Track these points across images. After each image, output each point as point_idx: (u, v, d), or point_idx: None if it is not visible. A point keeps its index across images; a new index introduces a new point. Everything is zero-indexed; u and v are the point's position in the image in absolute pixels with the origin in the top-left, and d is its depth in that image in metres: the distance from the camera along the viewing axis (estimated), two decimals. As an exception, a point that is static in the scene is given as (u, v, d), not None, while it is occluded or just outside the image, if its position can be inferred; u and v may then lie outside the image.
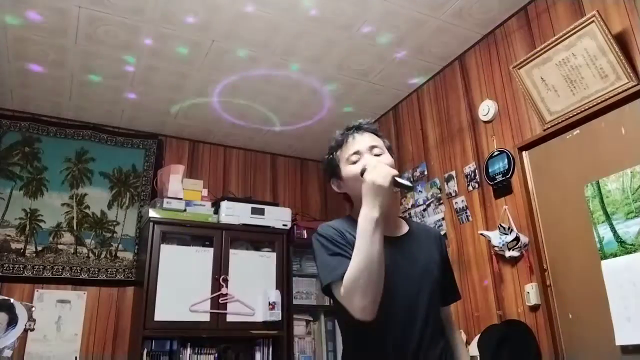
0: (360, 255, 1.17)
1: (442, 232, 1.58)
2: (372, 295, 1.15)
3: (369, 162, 1.33)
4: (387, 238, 1.27)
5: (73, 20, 2.69)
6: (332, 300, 1.36)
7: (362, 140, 1.41)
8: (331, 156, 1.46)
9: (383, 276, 1.18)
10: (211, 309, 3.26)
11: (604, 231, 2.13)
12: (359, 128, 1.45)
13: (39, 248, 3.41)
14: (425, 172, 3.29)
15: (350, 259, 1.20)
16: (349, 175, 1.39)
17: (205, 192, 3.75)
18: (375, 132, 1.46)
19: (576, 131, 2.34)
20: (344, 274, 1.19)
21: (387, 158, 1.38)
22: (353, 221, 1.35)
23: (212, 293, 3.30)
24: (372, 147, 1.39)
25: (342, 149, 1.43)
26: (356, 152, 1.39)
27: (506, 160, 2.63)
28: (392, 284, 1.25)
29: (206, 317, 3.25)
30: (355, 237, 1.22)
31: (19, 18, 2.65)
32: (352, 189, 1.40)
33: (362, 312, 1.16)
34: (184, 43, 2.90)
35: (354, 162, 1.38)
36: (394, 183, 1.23)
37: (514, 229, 2.50)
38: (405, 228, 1.46)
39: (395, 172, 1.26)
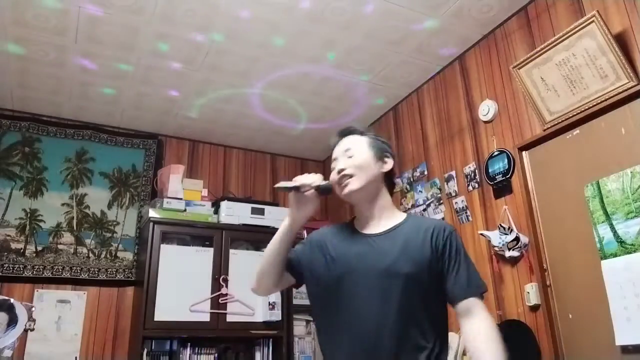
0: (270, 247, 1.47)
1: (447, 228, 1.44)
2: (258, 280, 1.51)
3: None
4: (365, 235, 1.44)
5: (73, 20, 2.69)
6: None
7: (338, 147, 1.51)
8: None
9: (272, 266, 1.47)
10: (211, 309, 3.26)
11: (604, 231, 2.13)
12: (339, 134, 1.55)
13: (39, 248, 3.41)
14: (425, 172, 3.29)
15: (301, 255, 1.52)
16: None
17: (205, 192, 3.74)
18: (353, 132, 1.53)
19: (576, 131, 2.34)
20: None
21: (357, 157, 1.45)
22: (349, 227, 1.51)
23: (212, 293, 3.30)
24: (346, 150, 1.47)
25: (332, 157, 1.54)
26: (334, 159, 1.50)
27: (506, 160, 2.63)
28: (352, 283, 1.34)
29: (206, 317, 3.25)
30: (339, 246, 1.43)
31: (19, 18, 2.65)
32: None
33: (255, 292, 1.55)
34: (184, 43, 2.90)
35: (334, 169, 1.48)
36: (296, 189, 1.41)
37: (514, 229, 2.50)
38: (391, 224, 1.44)
39: (303, 181, 1.41)
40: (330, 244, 1.46)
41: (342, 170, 1.43)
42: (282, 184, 1.44)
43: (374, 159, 1.47)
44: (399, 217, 1.48)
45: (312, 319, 3.72)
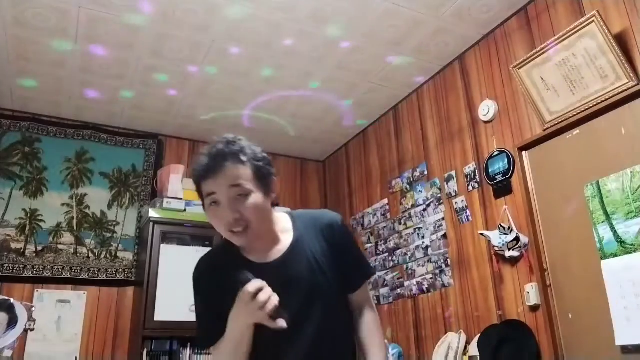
0: (225, 348, 1.20)
1: (338, 218, 1.37)
2: None
3: (242, 293, 1.11)
4: (263, 265, 1.24)
5: (73, 20, 2.69)
6: None
7: (217, 177, 1.18)
8: (194, 184, 1.27)
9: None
10: (211, 309, 3.26)
11: (604, 231, 2.13)
12: (214, 157, 1.20)
13: (39, 248, 3.40)
14: (425, 172, 3.28)
15: (215, 309, 1.22)
16: (210, 219, 1.25)
17: (205, 192, 3.74)
18: (234, 159, 1.20)
19: (576, 131, 2.35)
20: (216, 340, 1.22)
21: (250, 201, 1.18)
22: (231, 248, 1.28)
23: (212, 293, 3.29)
24: (232, 185, 1.18)
25: (195, 180, 1.24)
26: (211, 193, 1.19)
27: (506, 160, 2.63)
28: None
29: (206, 317, 3.24)
30: (235, 269, 1.15)
31: (19, 18, 2.65)
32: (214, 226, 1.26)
33: None
34: (184, 43, 2.90)
35: (214, 203, 1.20)
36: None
37: (514, 229, 2.50)
38: (285, 242, 1.29)
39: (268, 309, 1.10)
40: (225, 282, 1.21)
41: (238, 220, 1.18)
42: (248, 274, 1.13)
43: (265, 197, 1.23)
44: (281, 230, 1.31)
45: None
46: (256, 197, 1.20)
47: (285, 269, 1.24)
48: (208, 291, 1.29)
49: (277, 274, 1.21)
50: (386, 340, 3.30)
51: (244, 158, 1.22)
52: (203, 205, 1.25)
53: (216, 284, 1.27)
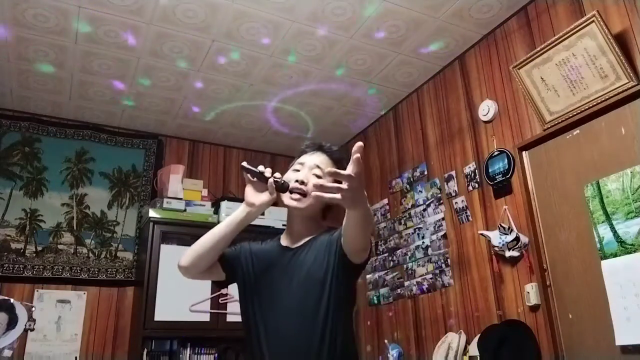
0: (212, 232, 1.45)
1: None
2: (191, 259, 1.49)
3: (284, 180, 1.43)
4: (286, 248, 1.48)
5: (73, 20, 2.69)
6: None
7: (310, 157, 1.52)
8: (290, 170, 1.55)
9: (211, 249, 1.45)
10: (211, 309, 3.27)
11: (604, 231, 2.13)
12: (317, 145, 1.55)
13: (39, 248, 3.40)
14: (425, 172, 3.28)
15: (233, 256, 1.52)
16: (285, 177, 1.48)
17: (205, 192, 3.75)
18: (329, 153, 1.53)
19: (576, 131, 2.35)
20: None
21: (320, 182, 1.36)
22: (278, 240, 1.55)
23: (212, 293, 3.30)
24: (315, 166, 1.49)
25: (295, 159, 1.55)
26: (300, 164, 1.51)
27: (506, 160, 2.63)
28: (277, 293, 1.41)
29: (206, 317, 3.25)
30: (263, 258, 1.49)
31: (19, 18, 2.65)
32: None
33: (180, 269, 1.53)
34: (184, 43, 2.91)
35: (295, 170, 1.51)
36: (259, 175, 1.42)
37: (514, 229, 2.50)
38: (306, 239, 1.47)
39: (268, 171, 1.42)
40: (256, 257, 1.51)
41: (302, 182, 1.45)
42: (247, 164, 1.45)
43: None
44: (311, 232, 1.50)
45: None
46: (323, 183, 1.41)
47: (300, 252, 1.44)
48: (241, 249, 1.54)
49: (294, 255, 1.45)
50: (386, 341, 3.30)
51: (333, 152, 1.55)
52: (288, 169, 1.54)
53: (251, 250, 1.52)
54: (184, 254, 1.50)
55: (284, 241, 1.52)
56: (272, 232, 1.54)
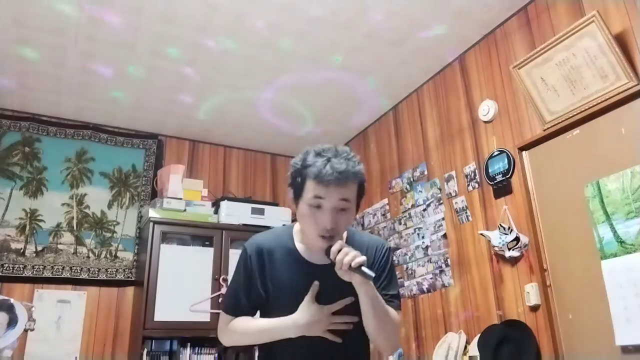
0: (256, 335, 1.40)
1: (386, 246, 1.49)
2: (230, 341, 1.48)
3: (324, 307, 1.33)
4: (320, 266, 1.36)
5: (73, 20, 2.69)
6: None
7: (335, 189, 1.26)
8: (299, 175, 1.33)
9: (251, 343, 1.44)
10: (211, 309, 3.26)
11: (604, 231, 2.13)
12: (340, 176, 1.26)
13: (39, 248, 3.40)
14: (425, 172, 3.28)
15: (249, 288, 1.41)
16: (302, 214, 1.33)
17: (205, 192, 3.75)
18: (354, 180, 1.30)
19: (576, 131, 2.35)
20: (236, 314, 1.44)
21: (348, 217, 1.31)
22: (286, 241, 1.43)
23: (212, 293, 3.30)
24: (343, 199, 1.28)
25: (310, 178, 1.29)
26: (323, 198, 1.27)
27: (506, 160, 2.63)
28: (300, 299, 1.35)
29: (206, 317, 3.25)
30: (282, 255, 1.40)
31: (19, 18, 2.65)
32: (300, 221, 1.38)
33: (223, 343, 1.50)
34: (184, 43, 2.90)
35: (314, 206, 1.29)
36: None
37: (514, 229, 2.50)
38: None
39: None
40: (270, 269, 1.40)
41: (333, 229, 1.29)
42: (365, 269, 1.22)
43: (355, 212, 1.36)
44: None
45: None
46: (351, 213, 1.33)
47: (334, 273, 1.27)
48: (251, 271, 1.41)
49: (327, 274, 1.30)
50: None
51: (358, 178, 1.32)
52: (299, 198, 1.33)
53: (261, 267, 1.40)
54: (227, 335, 1.46)
55: (302, 251, 1.41)
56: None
